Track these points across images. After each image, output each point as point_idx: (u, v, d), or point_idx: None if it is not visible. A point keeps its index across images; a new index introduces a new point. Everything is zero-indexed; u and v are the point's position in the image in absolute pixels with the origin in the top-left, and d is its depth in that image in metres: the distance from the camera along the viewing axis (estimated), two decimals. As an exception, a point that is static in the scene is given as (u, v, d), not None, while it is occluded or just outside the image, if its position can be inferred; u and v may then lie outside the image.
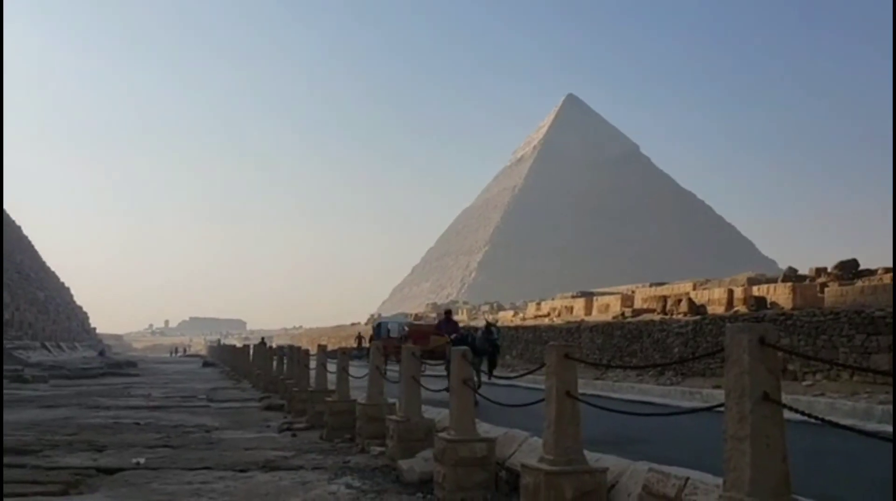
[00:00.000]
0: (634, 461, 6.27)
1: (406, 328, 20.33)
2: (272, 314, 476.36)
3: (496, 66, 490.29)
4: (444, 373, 15.42)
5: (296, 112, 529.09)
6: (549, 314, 53.54)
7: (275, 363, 22.67)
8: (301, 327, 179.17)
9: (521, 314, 61.68)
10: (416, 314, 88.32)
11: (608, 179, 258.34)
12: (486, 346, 15.19)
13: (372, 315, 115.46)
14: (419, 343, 16.27)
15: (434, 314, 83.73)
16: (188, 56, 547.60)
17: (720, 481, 4.21)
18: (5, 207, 74.05)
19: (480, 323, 30.70)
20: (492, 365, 15.36)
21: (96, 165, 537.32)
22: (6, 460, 9.29)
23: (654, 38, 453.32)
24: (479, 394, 13.24)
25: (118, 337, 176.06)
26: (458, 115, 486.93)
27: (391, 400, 11.00)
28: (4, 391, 22.85)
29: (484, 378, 15.14)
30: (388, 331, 28.83)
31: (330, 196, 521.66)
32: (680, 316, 28.24)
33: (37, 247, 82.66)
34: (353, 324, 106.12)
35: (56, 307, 73.36)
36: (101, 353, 68.96)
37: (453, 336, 16.02)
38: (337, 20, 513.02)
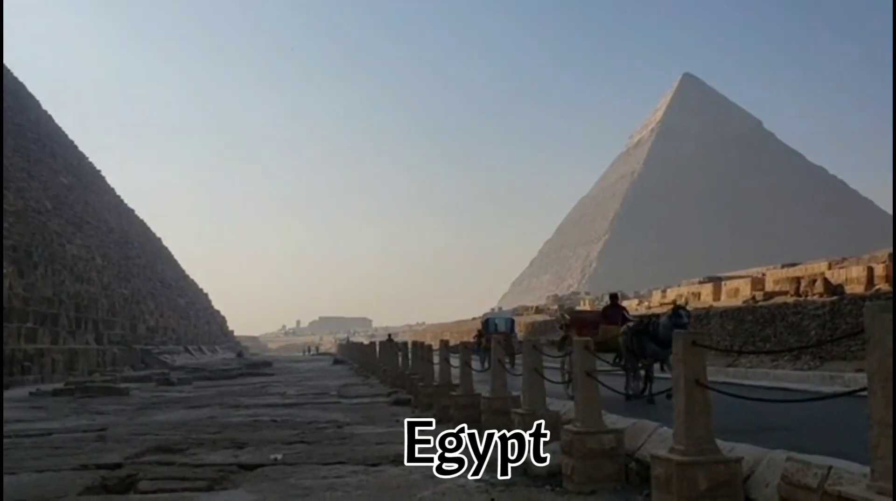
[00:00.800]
0: (771, 449, 6.01)
1: (566, 318, 18.09)
2: (396, 311, 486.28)
3: (606, 49, 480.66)
4: (613, 366, 13.77)
5: (416, 110, 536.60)
6: (674, 302, 52.09)
7: (400, 359, 23.10)
8: (424, 323, 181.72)
9: (645, 303, 60.32)
10: (537, 307, 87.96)
11: (731, 157, 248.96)
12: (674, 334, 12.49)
13: (492, 309, 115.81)
14: (585, 335, 13.43)
15: (555, 306, 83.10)
16: (316, 67, 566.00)
17: (867, 469, 3.97)
18: (147, 221, 78.90)
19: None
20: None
21: (227, 174, 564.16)
22: (158, 458, 9.88)
23: (768, 5, 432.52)
24: (628, 393, 12.28)
25: (254, 339, 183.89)
26: (570, 103, 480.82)
27: (514, 393, 10.98)
28: (155, 393, 24.34)
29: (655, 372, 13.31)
30: (496, 326, 28.98)
31: (447, 194, 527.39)
32: (815, 297, 26.84)
33: (176, 257, 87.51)
34: (473, 319, 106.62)
35: (196, 313, 77.47)
36: (240, 354, 72.35)
37: (630, 324, 14.03)
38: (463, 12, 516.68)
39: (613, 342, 14.07)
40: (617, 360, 14.29)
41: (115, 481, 8.16)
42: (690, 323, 13.10)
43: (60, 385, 24.68)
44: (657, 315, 14.55)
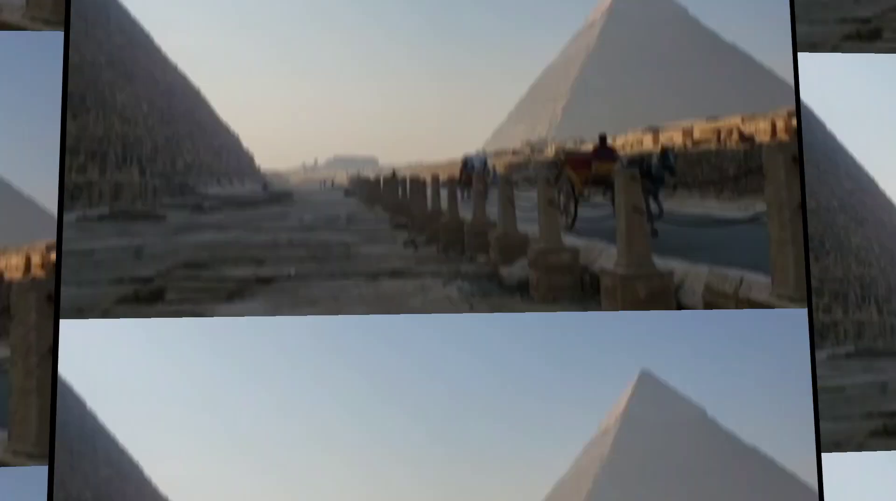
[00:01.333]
0: (697, 264, 6.11)
1: (562, 157, 16.87)
2: (399, 150, 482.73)
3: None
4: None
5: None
6: (623, 147, 51.95)
7: (400, 192, 23.08)
8: (421, 162, 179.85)
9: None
10: (513, 150, 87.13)
11: (672, 37, 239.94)
12: (664, 173, 12.66)
13: (476, 152, 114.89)
14: (580, 171, 14.44)
15: (529, 150, 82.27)
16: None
17: (769, 280, 4.03)
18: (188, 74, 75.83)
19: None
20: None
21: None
22: (186, 273, 9.80)
23: None
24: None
25: (278, 174, 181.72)
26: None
27: (492, 220, 11.00)
28: (189, 219, 24.31)
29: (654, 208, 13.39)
30: (473, 165, 28.73)
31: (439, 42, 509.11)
32: (733, 146, 26.69)
33: (212, 104, 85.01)
34: (461, 159, 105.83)
35: (227, 152, 76.34)
36: (265, 187, 71.99)
37: (623, 162, 13.87)
38: None
39: (606, 176, 13.85)
40: (606, 192, 14.25)
41: (146, 293, 8.15)
42: (676, 164, 12.93)
43: (105, 211, 24.65)
44: (649, 154, 14.21)
